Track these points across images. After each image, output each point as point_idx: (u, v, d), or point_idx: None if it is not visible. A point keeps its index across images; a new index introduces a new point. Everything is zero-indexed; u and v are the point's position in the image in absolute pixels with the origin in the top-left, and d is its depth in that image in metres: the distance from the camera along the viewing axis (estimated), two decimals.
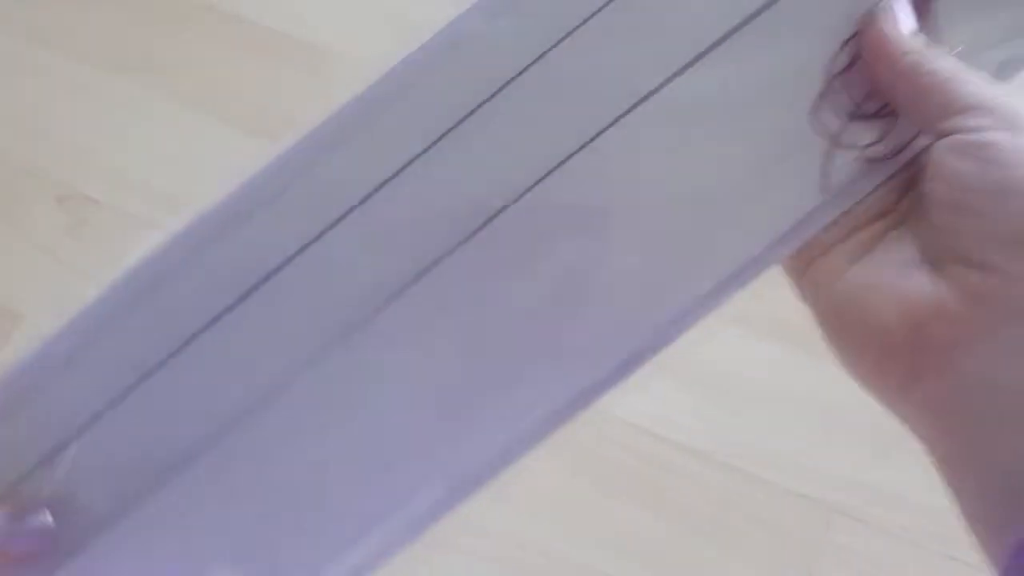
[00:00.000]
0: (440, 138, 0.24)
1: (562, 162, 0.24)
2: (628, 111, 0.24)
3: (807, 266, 0.25)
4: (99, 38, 0.54)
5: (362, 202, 0.24)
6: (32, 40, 0.54)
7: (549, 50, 0.24)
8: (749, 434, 0.46)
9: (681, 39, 0.25)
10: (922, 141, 0.24)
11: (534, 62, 0.24)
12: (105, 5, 0.55)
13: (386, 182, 0.24)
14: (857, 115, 0.25)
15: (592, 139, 0.24)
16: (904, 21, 0.24)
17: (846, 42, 0.25)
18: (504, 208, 0.24)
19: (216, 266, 0.24)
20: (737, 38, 0.25)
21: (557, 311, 0.24)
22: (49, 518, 0.25)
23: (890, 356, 0.23)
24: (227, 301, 0.24)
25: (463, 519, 0.45)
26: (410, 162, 0.24)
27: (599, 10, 0.24)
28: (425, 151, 0.24)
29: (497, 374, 0.25)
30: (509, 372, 0.25)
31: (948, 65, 0.23)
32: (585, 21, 0.24)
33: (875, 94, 0.24)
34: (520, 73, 0.24)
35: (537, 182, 0.24)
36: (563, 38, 0.24)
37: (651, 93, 0.24)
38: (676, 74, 0.25)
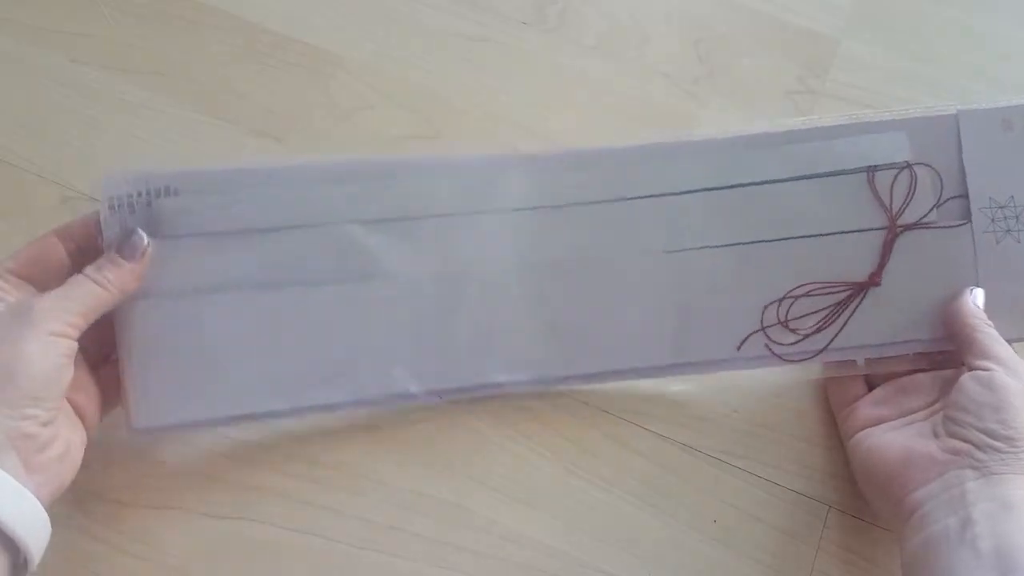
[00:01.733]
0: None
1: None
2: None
3: (857, 432, 0.42)
4: (101, 38, 0.54)
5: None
6: (33, 40, 0.54)
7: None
8: (749, 432, 0.46)
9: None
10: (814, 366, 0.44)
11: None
12: (107, 6, 0.55)
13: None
14: (786, 324, 0.42)
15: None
16: (978, 299, 0.41)
17: (800, 285, 0.42)
18: None
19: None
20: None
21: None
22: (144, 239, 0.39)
23: (890, 479, 0.39)
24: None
25: (467, 517, 0.45)
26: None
27: None
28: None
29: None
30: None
31: (991, 331, 0.40)
32: None
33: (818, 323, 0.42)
34: None
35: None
36: None
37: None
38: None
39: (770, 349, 0.42)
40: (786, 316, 0.41)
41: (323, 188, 0.41)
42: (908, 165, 0.42)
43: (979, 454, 0.37)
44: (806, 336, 0.42)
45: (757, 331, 0.42)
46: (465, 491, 0.44)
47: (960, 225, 0.42)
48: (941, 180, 0.42)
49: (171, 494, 0.43)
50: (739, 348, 0.42)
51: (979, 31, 0.57)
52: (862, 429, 0.42)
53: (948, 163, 0.42)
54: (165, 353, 0.40)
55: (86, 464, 0.38)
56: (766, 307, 0.42)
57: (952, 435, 0.38)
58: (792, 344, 0.42)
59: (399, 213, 0.42)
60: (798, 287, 0.42)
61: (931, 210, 0.42)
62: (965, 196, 0.42)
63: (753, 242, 0.42)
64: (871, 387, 0.45)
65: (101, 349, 0.41)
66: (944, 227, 0.42)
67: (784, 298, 0.42)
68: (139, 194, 0.40)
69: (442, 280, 0.42)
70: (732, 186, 0.42)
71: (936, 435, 0.39)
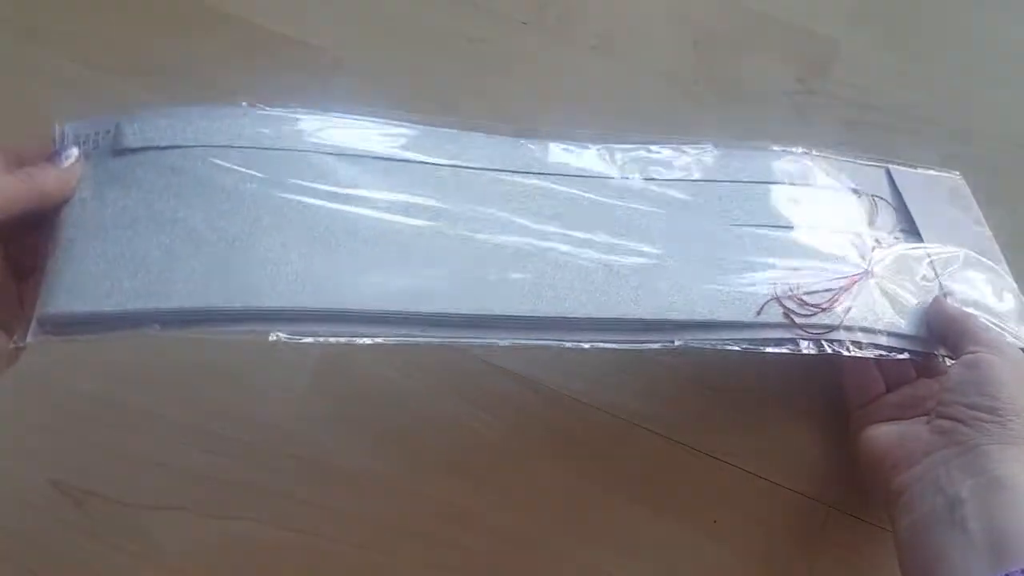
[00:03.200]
0: None
1: None
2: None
3: (865, 423, 0.43)
4: (100, 39, 0.54)
5: None
6: (32, 40, 0.54)
7: None
8: (749, 432, 0.46)
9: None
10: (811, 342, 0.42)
11: None
12: (106, 6, 0.55)
13: None
14: (800, 299, 0.42)
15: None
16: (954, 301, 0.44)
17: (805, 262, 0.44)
18: None
19: None
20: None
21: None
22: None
23: (880, 462, 0.41)
24: None
25: (467, 519, 0.45)
26: None
27: None
28: None
29: None
30: None
31: (975, 321, 0.42)
32: None
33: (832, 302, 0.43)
34: None
35: None
36: None
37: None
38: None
39: (790, 317, 0.41)
40: (798, 290, 0.42)
41: (294, 123, 0.40)
42: (861, 193, 0.48)
43: (964, 429, 0.38)
44: (820, 311, 0.42)
45: (772, 299, 0.42)
46: (465, 492, 0.44)
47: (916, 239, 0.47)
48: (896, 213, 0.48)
49: (171, 494, 0.43)
50: (758, 314, 0.41)
51: (979, 31, 0.57)
52: (872, 425, 0.43)
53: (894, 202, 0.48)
54: (98, 239, 0.35)
55: (86, 463, 0.38)
56: (776, 283, 0.42)
57: (940, 416, 0.39)
58: (809, 316, 0.42)
59: (375, 153, 0.41)
60: (803, 265, 0.43)
61: (894, 228, 0.47)
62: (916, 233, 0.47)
63: (756, 225, 0.45)
64: (889, 388, 0.45)
65: (29, 260, 0.36)
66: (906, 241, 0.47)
67: (792, 270, 0.43)
68: (107, 131, 0.38)
69: (412, 211, 0.40)
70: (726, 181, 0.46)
71: (928, 422, 0.40)
